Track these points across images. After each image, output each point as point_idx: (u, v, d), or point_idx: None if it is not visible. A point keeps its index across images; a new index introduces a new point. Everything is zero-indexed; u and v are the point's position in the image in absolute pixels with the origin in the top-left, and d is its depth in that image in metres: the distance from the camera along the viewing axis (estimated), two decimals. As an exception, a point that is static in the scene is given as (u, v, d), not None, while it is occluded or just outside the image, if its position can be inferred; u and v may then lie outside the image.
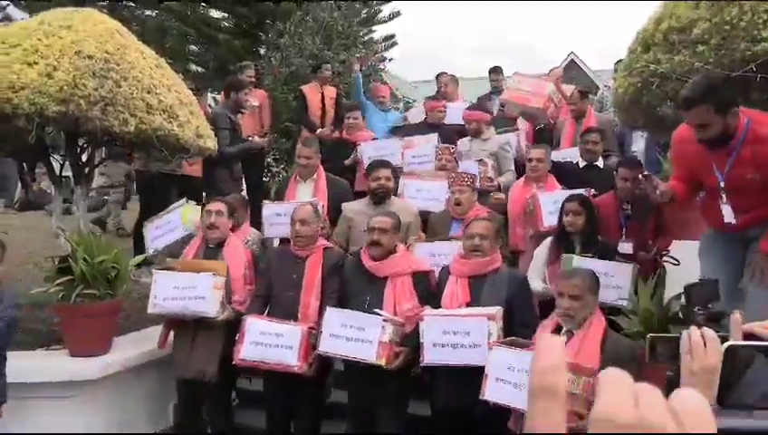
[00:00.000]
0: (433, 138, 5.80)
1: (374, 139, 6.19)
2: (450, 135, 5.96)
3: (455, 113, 6.37)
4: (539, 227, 4.61)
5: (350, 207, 4.76)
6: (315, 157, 5.13)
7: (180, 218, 4.59)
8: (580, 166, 5.31)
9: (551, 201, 4.54)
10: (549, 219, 4.52)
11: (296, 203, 4.71)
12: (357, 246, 4.46)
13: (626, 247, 4.38)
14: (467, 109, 6.01)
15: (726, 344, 1.16)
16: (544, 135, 6.20)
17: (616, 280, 3.87)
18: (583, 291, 3.16)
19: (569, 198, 4.28)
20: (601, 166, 5.29)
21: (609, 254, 4.12)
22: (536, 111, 5.93)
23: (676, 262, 4.48)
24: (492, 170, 5.27)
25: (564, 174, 5.04)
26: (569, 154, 5.57)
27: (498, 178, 5.33)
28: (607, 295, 3.72)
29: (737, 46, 3.47)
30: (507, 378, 2.86)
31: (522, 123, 6.29)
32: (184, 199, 4.84)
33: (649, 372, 3.27)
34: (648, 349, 1.36)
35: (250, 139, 6.26)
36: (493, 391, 2.96)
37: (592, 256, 3.98)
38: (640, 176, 3.40)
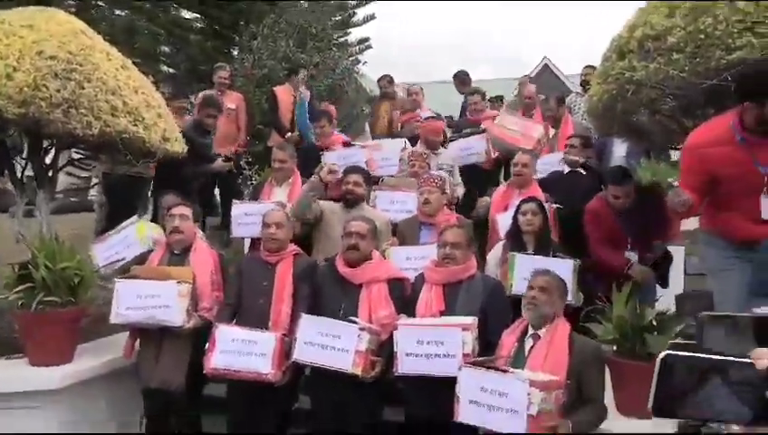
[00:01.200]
0: (400, 142, 5.86)
1: (345, 143, 6.13)
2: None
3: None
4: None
5: (325, 204, 4.74)
6: (290, 160, 5.09)
7: (135, 235, 4.43)
8: (565, 172, 5.34)
9: (507, 219, 4.54)
10: (504, 232, 4.55)
11: (265, 203, 4.69)
12: (324, 245, 4.46)
13: (632, 257, 4.38)
14: (429, 119, 6.15)
15: (663, 354, 1.17)
16: None
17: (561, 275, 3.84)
18: (551, 286, 3.20)
19: (525, 200, 4.35)
20: (583, 172, 5.30)
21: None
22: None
23: None
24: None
25: (549, 183, 5.10)
26: (550, 160, 5.60)
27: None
28: None
29: (712, 55, 3.48)
30: (480, 400, 2.80)
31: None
32: (135, 217, 4.71)
33: (616, 371, 3.26)
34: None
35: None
36: (466, 414, 2.88)
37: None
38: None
